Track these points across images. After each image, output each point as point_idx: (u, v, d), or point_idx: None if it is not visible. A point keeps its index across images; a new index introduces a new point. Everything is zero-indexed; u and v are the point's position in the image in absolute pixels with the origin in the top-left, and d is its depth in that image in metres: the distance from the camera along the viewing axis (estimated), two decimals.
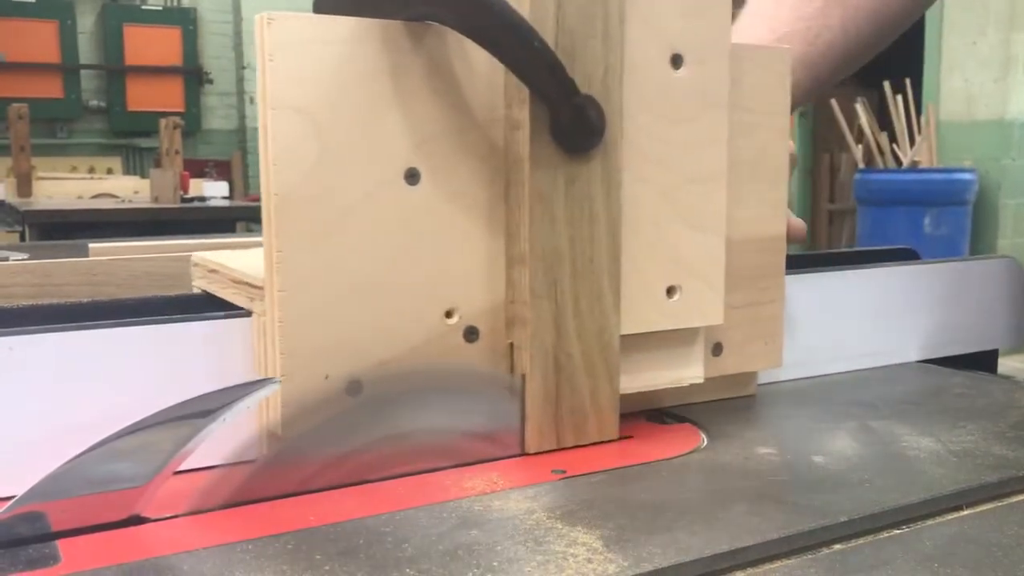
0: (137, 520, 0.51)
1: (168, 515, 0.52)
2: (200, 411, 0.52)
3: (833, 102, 5.39)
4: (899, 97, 4.95)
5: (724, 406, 0.75)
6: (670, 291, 0.68)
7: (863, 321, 0.88)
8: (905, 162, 4.96)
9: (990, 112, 4.93)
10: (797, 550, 0.49)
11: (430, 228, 0.61)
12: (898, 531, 0.52)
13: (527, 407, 0.63)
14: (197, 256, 0.72)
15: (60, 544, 0.48)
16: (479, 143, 0.62)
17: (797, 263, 0.89)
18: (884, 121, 5.15)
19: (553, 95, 0.60)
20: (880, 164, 5.11)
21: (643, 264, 0.66)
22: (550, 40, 0.59)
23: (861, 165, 5.24)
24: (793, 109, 0.88)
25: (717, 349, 0.74)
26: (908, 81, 4.97)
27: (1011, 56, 4.84)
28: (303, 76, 0.56)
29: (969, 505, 0.56)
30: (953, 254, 4.13)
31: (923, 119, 5.02)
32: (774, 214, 0.75)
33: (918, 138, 4.95)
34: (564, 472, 0.60)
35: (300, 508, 0.54)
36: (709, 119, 0.68)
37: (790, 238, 0.77)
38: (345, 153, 0.57)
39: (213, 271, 0.69)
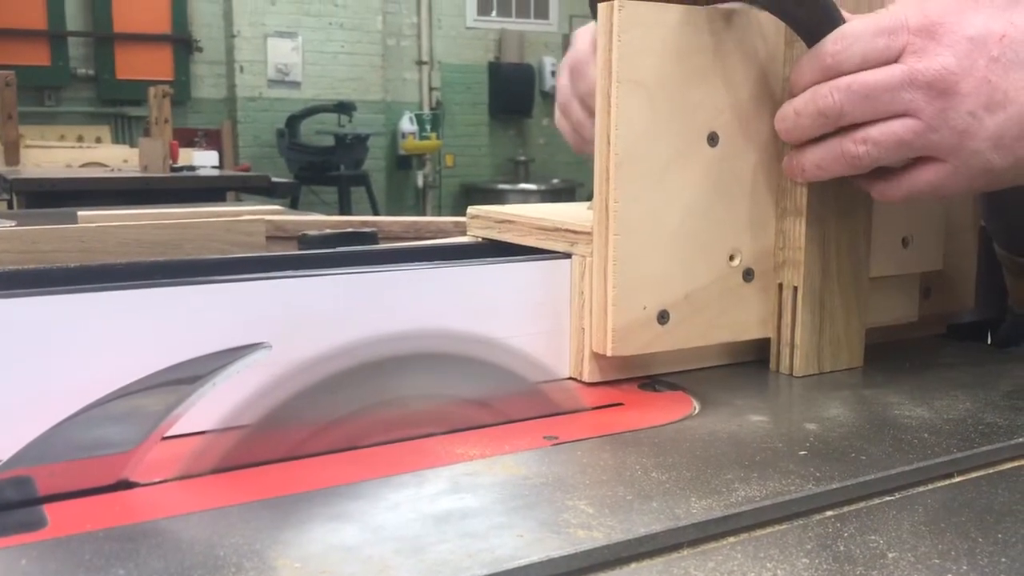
0: (125, 485, 0.50)
1: (157, 480, 0.51)
2: (190, 376, 0.51)
3: None
4: None
5: (715, 374, 0.75)
6: (904, 241, 0.79)
7: None
8: None
9: None
10: (789, 516, 0.49)
11: (723, 183, 0.72)
12: (890, 498, 0.52)
13: (796, 337, 0.74)
14: (477, 209, 0.85)
15: (47, 509, 0.47)
16: (763, 109, 0.73)
17: None
18: None
19: None
20: None
21: (886, 217, 0.77)
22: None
23: None
24: None
25: (927, 292, 0.85)
26: None
27: None
28: (642, 54, 0.66)
29: (960, 472, 0.56)
30: None
31: None
32: None
33: None
34: (556, 438, 0.59)
35: (291, 473, 0.54)
36: None
37: None
38: (666, 119, 0.68)
39: (507, 221, 0.80)
